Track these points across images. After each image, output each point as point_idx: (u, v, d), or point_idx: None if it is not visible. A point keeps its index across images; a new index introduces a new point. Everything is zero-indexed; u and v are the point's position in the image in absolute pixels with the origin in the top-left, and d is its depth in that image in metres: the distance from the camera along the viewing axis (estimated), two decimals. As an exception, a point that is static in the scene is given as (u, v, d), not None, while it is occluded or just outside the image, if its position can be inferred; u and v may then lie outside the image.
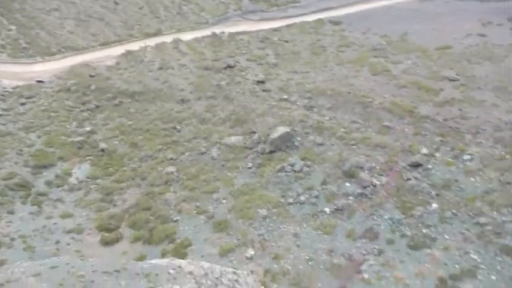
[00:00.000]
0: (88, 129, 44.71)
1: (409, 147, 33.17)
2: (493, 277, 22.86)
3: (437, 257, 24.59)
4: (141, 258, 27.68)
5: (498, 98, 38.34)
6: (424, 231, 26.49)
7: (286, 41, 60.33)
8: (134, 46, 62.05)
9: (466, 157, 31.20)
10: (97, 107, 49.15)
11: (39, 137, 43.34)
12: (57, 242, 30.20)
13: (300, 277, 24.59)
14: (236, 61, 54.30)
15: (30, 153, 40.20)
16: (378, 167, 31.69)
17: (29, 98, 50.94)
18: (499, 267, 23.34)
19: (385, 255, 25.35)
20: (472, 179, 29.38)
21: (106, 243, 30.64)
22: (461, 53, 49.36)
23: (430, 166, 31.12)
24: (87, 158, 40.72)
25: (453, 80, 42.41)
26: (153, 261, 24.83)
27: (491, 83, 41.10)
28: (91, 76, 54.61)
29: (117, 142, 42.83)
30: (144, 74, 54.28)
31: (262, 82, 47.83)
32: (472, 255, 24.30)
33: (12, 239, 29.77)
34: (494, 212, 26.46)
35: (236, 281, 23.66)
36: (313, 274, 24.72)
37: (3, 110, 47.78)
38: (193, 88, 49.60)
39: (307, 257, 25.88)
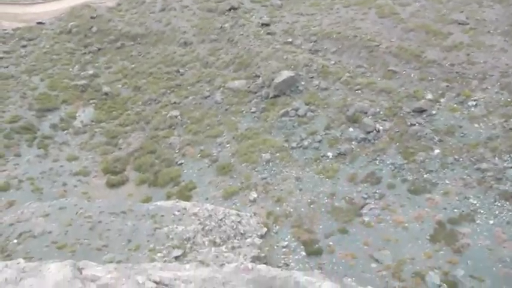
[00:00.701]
0: (91, 72, 44.37)
1: (414, 93, 32.86)
2: (491, 221, 23.37)
3: (437, 201, 25.03)
4: (147, 200, 28.35)
5: (507, 43, 37.44)
6: (425, 176, 26.79)
7: (292, -19, 58.29)
8: (135, -14, 60.18)
9: (471, 103, 30.95)
10: (99, 49, 48.54)
11: (42, 80, 43.11)
12: (64, 184, 30.83)
13: (302, 219, 25.20)
14: (240, 2, 52.79)
15: (34, 97, 40.18)
16: (381, 113, 31.57)
17: (30, 40, 50.24)
18: (497, 212, 23.80)
19: (386, 199, 25.82)
20: (476, 125, 29.32)
21: (112, 185, 31.28)
22: (473, -6, 47.69)
23: (434, 112, 30.97)
24: (91, 101, 40.72)
25: (462, 24, 41.26)
26: (158, 203, 25.47)
27: (501, 27, 40.00)
28: (92, 18, 53.46)
29: (120, 86, 42.64)
30: (146, 16, 53.05)
31: (267, 25, 46.72)
32: (471, 200, 24.72)
33: (20, 181, 30.40)
34: (496, 158, 26.63)
35: (239, 222, 24.33)
36: (314, 216, 25.31)
37: (5, 52, 47.25)
38: (197, 31, 48.60)
39: (309, 200, 26.39)
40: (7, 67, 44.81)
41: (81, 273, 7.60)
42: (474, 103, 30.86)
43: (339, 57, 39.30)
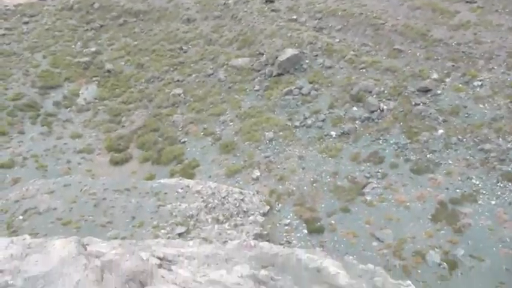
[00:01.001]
0: (93, 49, 44.15)
1: (419, 72, 32.59)
2: (493, 202, 23.42)
3: (440, 181, 25.05)
4: (150, 177, 28.49)
5: (515, 22, 36.93)
6: (428, 156, 26.78)
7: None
8: (138, -39, 59.34)
9: (476, 83, 30.70)
10: (101, 26, 48.20)
11: (44, 57, 42.95)
12: (69, 161, 30.98)
13: (304, 198, 25.33)
14: (244, -21, 52.05)
15: (37, 74, 40.08)
16: (386, 92, 31.39)
17: (32, 16, 49.88)
18: (499, 193, 23.83)
19: (388, 179, 25.86)
20: (481, 105, 29.13)
21: (116, 163, 31.41)
22: (481, -28, 46.81)
23: (439, 92, 30.75)
24: (94, 78, 40.63)
25: (470, 2, 40.65)
26: (162, 181, 25.63)
27: (509, 6, 39.36)
28: (94, -7, 52.94)
29: (123, 63, 42.47)
30: (149, -8, 52.46)
31: (271, 1, 46.17)
32: (474, 181, 24.73)
33: (25, 158, 30.55)
34: (500, 139, 26.54)
35: (242, 200, 24.47)
36: (317, 195, 25.43)
37: (7, 29, 46.97)
38: (200, 7, 48.10)
39: (311, 179, 26.47)
40: (9, 44, 44.61)
41: (85, 249, 7.70)
42: (480, 83, 30.60)
43: (344, 35, 38.92)
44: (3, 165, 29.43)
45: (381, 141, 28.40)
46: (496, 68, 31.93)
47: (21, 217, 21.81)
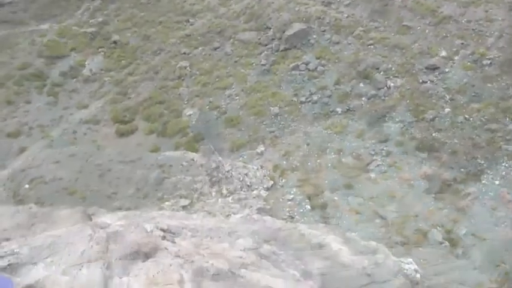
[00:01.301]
0: (100, 20, 43.72)
1: (428, 49, 32.14)
2: (497, 182, 23.42)
3: (444, 160, 25.01)
4: (155, 150, 28.60)
5: (528, -1, 36.13)
6: (433, 134, 26.67)
7: None
8: None
9: (485, 62, 30.26)
10: (108, -4, 47.60)
11: (50, 26, 42.62)
12: (74, 131, 31.08)
13: (308, 173, 25.42)
14: (253, -50, 50.98)
15: (43, 44, 39.84)
16: (393, 69, 31.06)
17: (37, -16, 49.27)
18: (504, 173, 23.80)
19: (393, 157, 25.84)
20: (489, 84, 28.81)
21: (121, 134, 31.49)
22: None
23: (447, 70, 30.39)
24: (100, 49, 40.34)
25: (483, -22, 39.74)
26: (167, 153, 25.79)
27: (523, -18, 38.46)
28: (101, -38, 52.07)
29: (129, 34, 42.06)
30: (156, -38, 51.55)
31: (280, -26, 45.31)
32: (478, 160, 24.68)
33: (31, 128, 30.68)
34: (507, 119, 26.34)
35: (246, 174, 24.62)
36: (321, 171, 25.50)
37: (13, -4, 46.54)
38: (207, -21, 47.28)
39: (316, 155, 26.50)
40: (15, 13, 44.21)
41: (91, 219, 7.81)
42: (489, 62, 30.18)
43: (353, 10, 38.25)
44: (10, 134, 29.61)
45: (386, 119, 28.27)
46: (505, 46, 31.41)
47: (27, 186, 22.10)
